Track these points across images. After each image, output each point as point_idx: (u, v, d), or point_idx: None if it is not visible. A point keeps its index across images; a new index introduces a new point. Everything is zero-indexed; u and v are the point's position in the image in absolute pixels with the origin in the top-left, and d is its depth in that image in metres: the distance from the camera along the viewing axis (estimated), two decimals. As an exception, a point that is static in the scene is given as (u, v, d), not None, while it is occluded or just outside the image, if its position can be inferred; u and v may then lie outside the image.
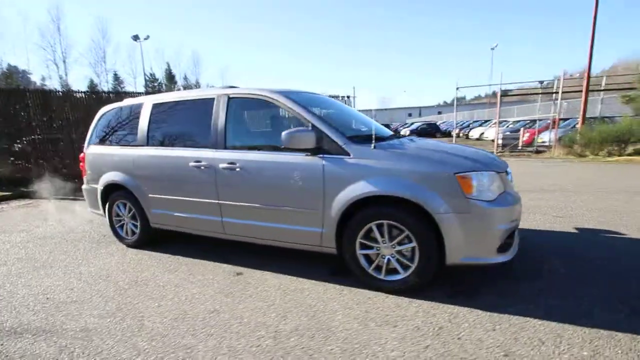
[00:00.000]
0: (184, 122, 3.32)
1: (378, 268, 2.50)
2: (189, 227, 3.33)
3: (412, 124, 34.48)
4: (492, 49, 37.39)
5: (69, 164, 7.99)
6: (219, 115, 3.00)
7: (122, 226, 3.83)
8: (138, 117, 3.55)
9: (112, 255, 3.53)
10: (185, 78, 55.93)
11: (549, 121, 14.36)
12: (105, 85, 44.88)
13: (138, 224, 3.64)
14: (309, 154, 2.57)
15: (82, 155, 4.03)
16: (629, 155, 9.98)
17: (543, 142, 13.32)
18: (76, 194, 6.88)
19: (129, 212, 3.70)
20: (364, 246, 2.51)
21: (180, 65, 65.80)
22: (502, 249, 2.29)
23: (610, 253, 3.07)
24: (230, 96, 3.01)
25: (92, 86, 42.81)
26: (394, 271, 2.45)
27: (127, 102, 3.81)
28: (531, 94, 15.73)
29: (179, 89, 36.27)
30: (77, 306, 2.50)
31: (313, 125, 2.60)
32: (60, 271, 3.18)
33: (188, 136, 3.24)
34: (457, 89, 14.61)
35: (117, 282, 2.89)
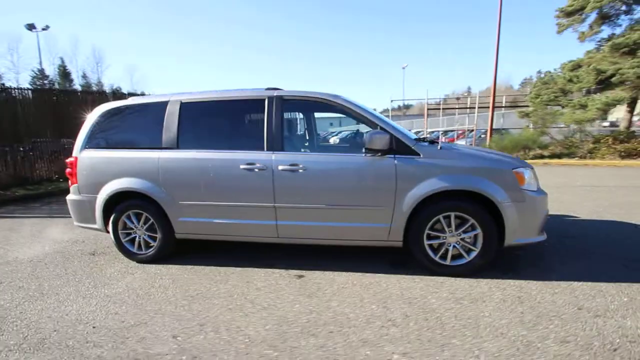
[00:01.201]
0: (226, 123, 3.14)
1: (443, 255, 2.81)
2: (231, 234, 3.14)
3: (339, 132, 36.17)
4: (403, 68, 42.00)
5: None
6: (273, 117, 2.95)
7: (131, 240, 3.36)
8: (161, 117, 3.20)
9: (130, 274, 3.09)
10: (85, 76, 48.82)
11: (460, 131, 16.98)
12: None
13: (158, 235, 3.25)
14: (380, 154, 2.76)
15: (71, 160, 3.42)
16: (541, 158, 12.34)
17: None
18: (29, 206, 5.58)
19: (145, 223, 3.28)
20: (430, 237, 2.80)
21: (76, 61, 57.01)
22: (541, 230, 2.83)
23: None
24: (285, 98, 2.99)
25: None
26: (459, 257, 2.79)
27: (137, 100, 3.39)
28: (451, 108, 18.35)
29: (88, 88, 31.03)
30: (144, 329, 2.20)
31: (382, 128, 2.79)
32: (79, 296, 2.67)
33: (233, 138, 3.08)
34: (392, 101, 16.22)
35: (168, 299, 2.59)
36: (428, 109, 15.06)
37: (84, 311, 2.45)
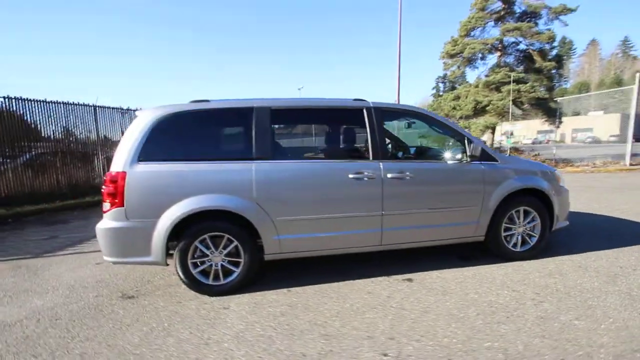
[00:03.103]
0: (321, 132, 3.00)
1: (514, 244, 3.38)
2: (332, 248, 2.99)
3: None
4: (299, 89, 44.40)
5: None
6: (376, 127, 3.01)
7: (202, 271, 2.80)
8: (247, 125, 2.83)
9: (218, 317, 2.58)
10: None
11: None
12: None
13: (242, 259, 2.82)
14: (469, 160, 3.16)
15: (113, 176, 2.64)
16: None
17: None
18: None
19: (225, 248, 2.80)
20: (505, 229, 3.33)
21: None
22: (567, 217, 3.71)
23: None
24: (383, 109, 3.10)
25: None
26: (524, 243, 3.41)
27: (212, 105, 2.87)
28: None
29: None
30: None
31: (468, 139, 3.22)
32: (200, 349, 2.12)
33: (331, 146, 2.98)
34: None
35: (374, 334, 2.33)
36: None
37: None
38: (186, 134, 2.83)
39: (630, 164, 11.66)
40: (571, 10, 14.92)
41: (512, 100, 13.25)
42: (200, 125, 2.86)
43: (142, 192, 2.65)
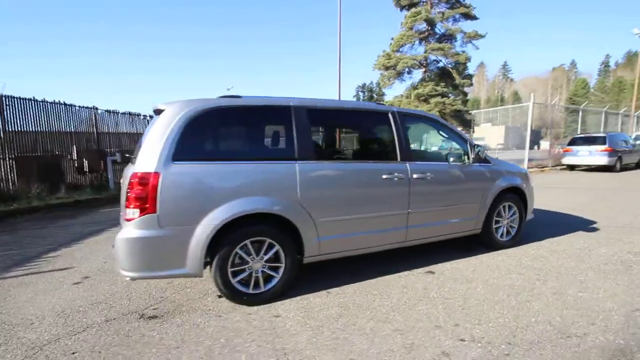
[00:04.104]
0: (355, 133, 3.03)
1: (502, 234, 3.91)
2: (363, 247, 3.05)
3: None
4: (228, 89, 42.46)
5: None
6: (401, 130, 3.19)
7: (242, 280, 2.59)
8: (286, 123, 2.71)
9: (290, 332, 2.44)
10: None
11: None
12: None
13: (283, 264, 2.70)
14: (472, 162, 3.57)
15: (141, 177, 2.27)
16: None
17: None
18: None
19: (265, 253, 2.64)
20: (495, 222, 3.84)
21: None
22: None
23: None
24: (403, 113, 3.28)
25: None
26: (508, 234, 3.97)
27: (248, 102, 2.66)
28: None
29: None
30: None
31: (470, 143, 3.62)
32: None
33: (365, 148, 3.04)
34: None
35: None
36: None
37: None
38: (222, 131, 2.61)
39: (529, 167, 14.27)
40: (481, 36, 17.78)
41: (439, 111, 15.09)
42: (236, 122, 2.66)
43: (179, 196, 2.35)
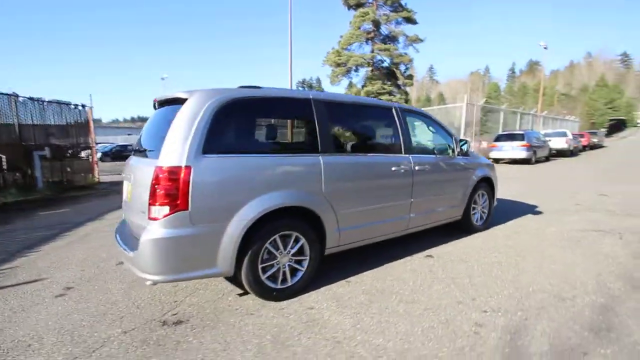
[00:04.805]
0: (366, 127, 3.12)
1: (477, 219, 4.38)
2: (373, 236, 3.19)
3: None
4: (162, 79, 39.17)
5: None
6: (404, 124, 3.38)
7: (270, 276, 2.54)
8: (307, 116, 2.69)
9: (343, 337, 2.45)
10: None
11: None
12: None
13: (307, 257, 2.71)
14: (455, 155, 3.93)
15: (170, 171, 2.08)
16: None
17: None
18: None
19: (292, 247, 2.62)
20: (472, 209, 4.29)
21: None
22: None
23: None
24: (403, 109, 3.48)
25: None
26: (480, 219, 4.46)
27: (271, 93, 2.57)
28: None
29: None
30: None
31: (455, 138, 3.97)
32: None
33: (376, 141, 3.15)
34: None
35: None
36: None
37: None
38: (249, 122, 2.50)
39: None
40: (421, 40, 19.25)
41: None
42: (262, 114, 2.57)
43: (211, 191, 2.21)
